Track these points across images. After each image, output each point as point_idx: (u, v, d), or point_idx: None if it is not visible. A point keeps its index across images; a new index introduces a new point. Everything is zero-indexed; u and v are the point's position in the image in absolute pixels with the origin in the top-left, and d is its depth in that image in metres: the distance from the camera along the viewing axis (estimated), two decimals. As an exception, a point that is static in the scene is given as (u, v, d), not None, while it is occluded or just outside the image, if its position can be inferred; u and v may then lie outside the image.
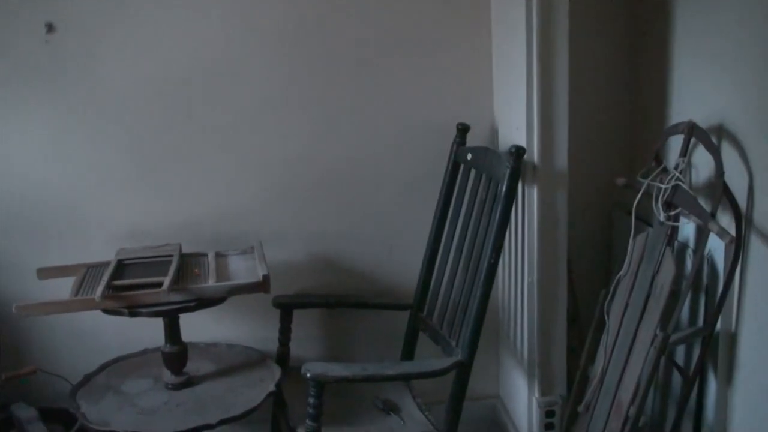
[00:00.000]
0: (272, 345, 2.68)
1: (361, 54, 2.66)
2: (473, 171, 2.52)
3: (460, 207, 2.56)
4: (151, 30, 2.55)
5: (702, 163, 2.26)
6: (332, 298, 2.77)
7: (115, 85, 2.57)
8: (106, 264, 2.44)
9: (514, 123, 2.47)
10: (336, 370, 2.17)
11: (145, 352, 2.65)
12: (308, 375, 2.11)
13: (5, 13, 2.46)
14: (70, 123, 2.58)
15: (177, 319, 2.41)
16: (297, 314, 2.69)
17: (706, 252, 2.18)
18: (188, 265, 2.49)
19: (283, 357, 2.67)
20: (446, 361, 2.29)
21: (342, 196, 2.76)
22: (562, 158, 2.40)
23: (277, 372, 2.50)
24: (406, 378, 2.49)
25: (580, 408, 2.43)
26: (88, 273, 2.44)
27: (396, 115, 2.72)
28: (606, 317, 2.37)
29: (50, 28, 2.49)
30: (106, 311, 2.29)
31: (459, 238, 2.52)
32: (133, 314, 2.25)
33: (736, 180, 2.08)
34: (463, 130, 2.62)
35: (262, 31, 2.60)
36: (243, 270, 2.47)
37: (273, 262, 2.50)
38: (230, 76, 2.62)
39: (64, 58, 2.52)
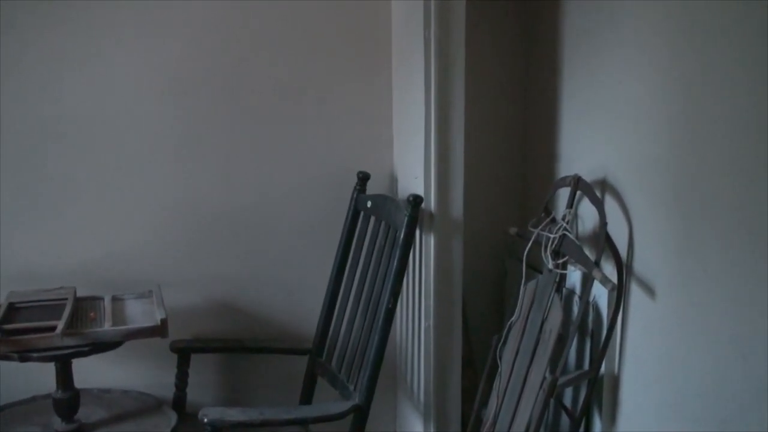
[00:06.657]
0: (169, 391, 2.64)
1: (263, 100, 2.70)
2: (373, 218, 2.59)
3: (360, 253, 2.62)
4: (52, 71, 2.53)
5: (587, 214, 2.38)
6: (230, 343, 2.76)
7: (8, 122, 2.52)
8: (-4, 307, 2.36)
9: (413, 172, 2.56)
10: (233, 415, 2.16)
11: (34, 399, 2.56)
12: (205, 420, 2.10)
13: None
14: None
15: (69, 364, 2.35)
16: (195, 359, 2.66)
17: (591, 298, 2.29)
18: (83, 308, 2.44)
19: (179, 403, 2.63)
20: (344, 405, 2.31)
21: (242, 241, 2.76)
22: (458, 208, 2.49)
23: (173, 418, 2.46)
24: (303, 422, 2.49)
25: (474, 450, 2.49)
26: (-25, 317, 2.36)
27: (298, 161, 2.76)
28: (499, 361, 2.45)
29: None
30: (-5, 356, 2.21)
31: (358, 284, 2.57)
32: (23, 359, 2.19)
33: (618, 230, 2.20)
34: (363, 178, 2.69)
35: (163, 76, 2.61)
36: (140, 314, 2.44)
37: (171, 306, 2.47)
38: (127, 117, 2.61)
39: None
